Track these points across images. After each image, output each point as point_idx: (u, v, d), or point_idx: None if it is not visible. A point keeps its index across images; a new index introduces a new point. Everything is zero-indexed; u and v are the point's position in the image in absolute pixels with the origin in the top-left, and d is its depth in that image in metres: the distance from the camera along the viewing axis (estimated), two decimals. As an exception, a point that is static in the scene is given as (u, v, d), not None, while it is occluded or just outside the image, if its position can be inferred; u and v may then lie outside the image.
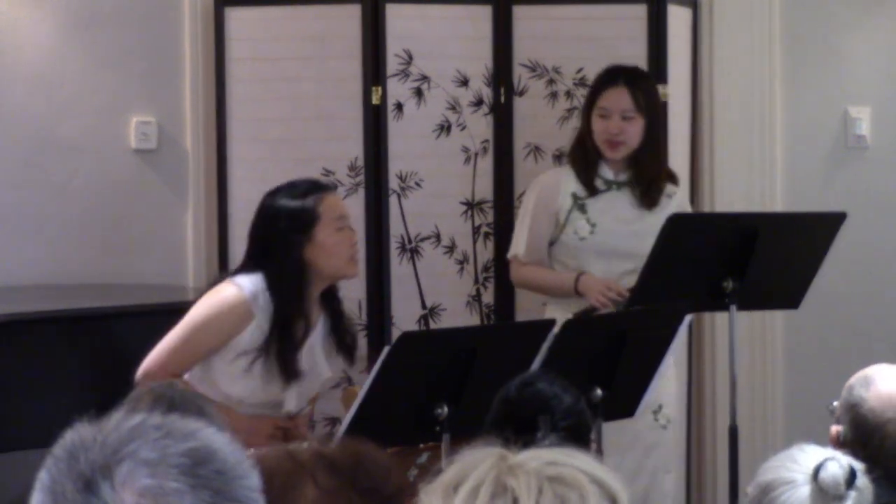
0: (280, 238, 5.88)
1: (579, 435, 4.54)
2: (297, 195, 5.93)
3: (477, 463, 2.53)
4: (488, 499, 2.47)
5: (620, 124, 6.56)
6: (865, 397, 4.36)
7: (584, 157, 6.61)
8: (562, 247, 6.62)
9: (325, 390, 6.22)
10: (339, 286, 6.20)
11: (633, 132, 6.57)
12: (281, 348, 5.80)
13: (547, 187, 6.67)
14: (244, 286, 5.84)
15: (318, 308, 6.03)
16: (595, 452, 4.80)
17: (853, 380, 4.43)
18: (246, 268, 5.93)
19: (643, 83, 6.72)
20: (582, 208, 6.58)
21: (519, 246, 6.68)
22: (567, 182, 6.62)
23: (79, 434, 1.85)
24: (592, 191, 6.59)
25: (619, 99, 6.56)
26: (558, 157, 7.18)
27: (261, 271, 5.85)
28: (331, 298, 6.07)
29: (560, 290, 6.52)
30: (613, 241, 6.54)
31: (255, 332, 5.78)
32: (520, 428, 4.18)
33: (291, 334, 5.85)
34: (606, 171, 6.62)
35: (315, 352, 6.01)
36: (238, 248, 6.84)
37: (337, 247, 5.91)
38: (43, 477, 1.84)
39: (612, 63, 6.79)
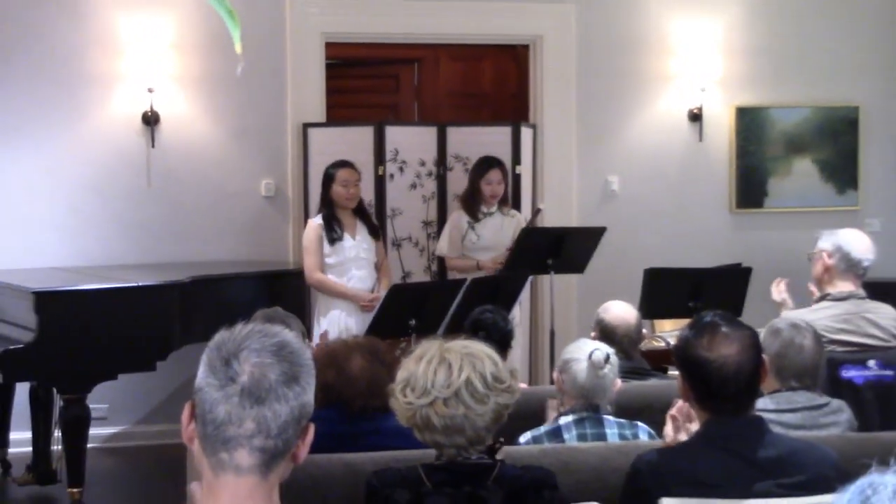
0: (322, 187, 6.30)
1: (503, 342, 4.48)
2: (331, 166, 6.33)
3: (429, 347, 2.65)
4: (436, 364, 2.58)
5: (498, 187, 6.68)
6: (604, 316, 4.49)
7: (473, 203, 6.68)
8: (464, 248, 6.69)
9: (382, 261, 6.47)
10: (366, 208, 6.52)
11: (502, 190, 6.67)
12: (329, 234, 6.17)
13: (456, 219, 6.73)
14: (315, 218, 6.30)
15: (354, 219, 6.33)
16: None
17: (600, 308, 4.56)
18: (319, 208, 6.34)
19: (504, 165, 6.79)
20: (473, 228, 6.67)
21: (444, 249, 6.75)
22: (463, 216, 6.70)
23: (221, 335, 1.79)
24: (476, 219, 6.68)
25: (496, 175, 6.65)
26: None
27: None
28: (361, 213, 6.38)
29: (470, 269, 6.54)
30: (489, 243, 6.61)
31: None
32: (475, 334, 4.32)
33: (332, 228, 6.19)
34: (483, 208, 6.68)
35: (364, 238, 6.30)
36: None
37: (338, 193, 6.24)
38: (204, 358, 1.79)
39: (504, 156, 6.87)
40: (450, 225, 6.79)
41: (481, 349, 2.64)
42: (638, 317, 4.57)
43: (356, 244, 6.30)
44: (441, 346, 2.63)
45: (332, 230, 6.24)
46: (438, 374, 2.57)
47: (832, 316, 4.54)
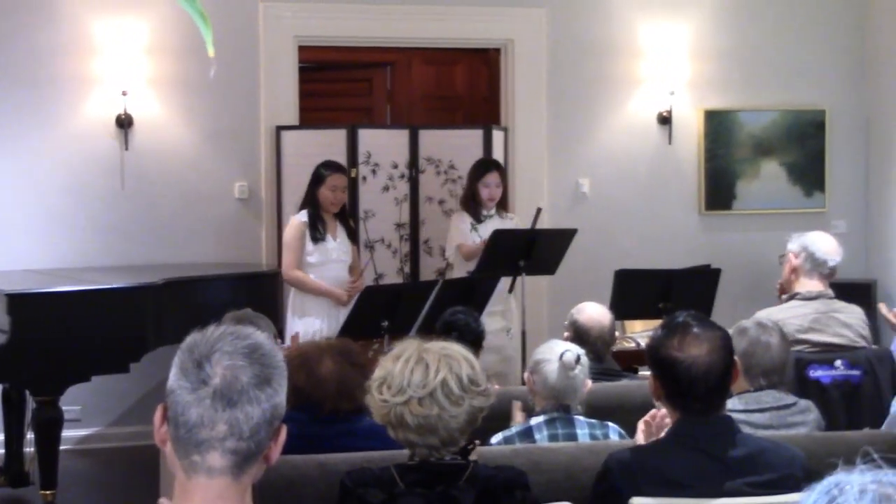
0: (309, 186, 6.26)
1: (475, 342, 4.54)
2: (323, 167, 6.29)
3: (407, 346, 2.63)
4: (414, 364, 2.57)
5: (496, 190, 6.66)
6: (578, 317, 4.49)
7: (473, 206, 6.63)
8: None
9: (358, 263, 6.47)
10: (347, 211, 6.48)
11: (499, 193, 6.66)
12: (313, 233, 6.16)
13: (458, 220, 6.68)
14: (299, 216, 6.25)
15: (335, 221, 6.30)
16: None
17: (573, 309, 4.56)
18: (303, 205, 6.31)
19: (502, 168, 6.81)
20: (476, 229, 6.61)
21: (453, 243, 6.63)
22: (466, 218, 6.64)
23: (193, 337, 1.78)
24: (479, 221, 6.64)
25: (494, 178, 6.62)
26: (440, 203, 7.17)
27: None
28: (342, 216, 6.36)
29: (478, 252, 6.41)
30: None
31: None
32: (447, 335, 4.31)
33: (316, 227, 6.17)
34: (483, 211, 6.63)
35: (344, 240, 6.29)
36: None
37: (325, 196, 6.20)
38: (176, 360, 1.77)
39: (476, 158, 6.84)
40: (453, 226, 6.74)
41: (459, 351, 2.64)
42: (611, 319, 4.57)
43: (337, 245, 6.30)
44: (419, 347, 2.63)
45: (316, 229, 6.23)
46: (415, 373, 2.57)
47: (802, 315, 4.59)
